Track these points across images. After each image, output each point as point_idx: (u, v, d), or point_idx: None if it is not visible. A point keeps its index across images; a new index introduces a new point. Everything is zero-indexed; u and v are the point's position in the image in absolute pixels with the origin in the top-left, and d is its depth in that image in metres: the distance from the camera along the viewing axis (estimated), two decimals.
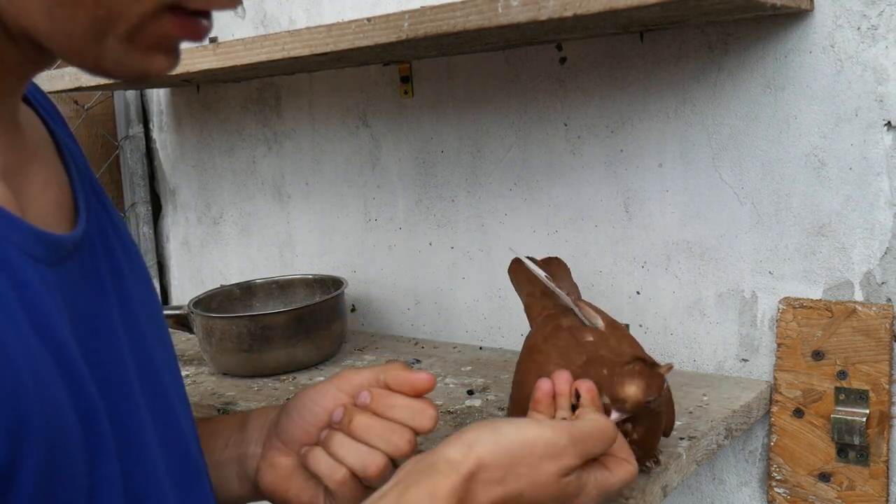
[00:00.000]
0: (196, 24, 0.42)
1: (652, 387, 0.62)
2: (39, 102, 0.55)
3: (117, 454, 0.44)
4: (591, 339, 0.71)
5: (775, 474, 0.90)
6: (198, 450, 0.56)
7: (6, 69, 0.44)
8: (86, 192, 0.52)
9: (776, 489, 0.91)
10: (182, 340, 1.26)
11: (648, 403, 0.62)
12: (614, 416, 0.62)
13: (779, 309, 0.89)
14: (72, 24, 0.39)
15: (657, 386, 0.63)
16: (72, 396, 0.41)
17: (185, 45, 0.53)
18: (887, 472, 0.84)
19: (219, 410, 0.98)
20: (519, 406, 0.70)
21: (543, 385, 0.63)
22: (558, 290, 0.76)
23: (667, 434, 0.71)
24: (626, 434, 0.64)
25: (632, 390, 0.62)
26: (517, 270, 0.86)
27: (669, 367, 0.64)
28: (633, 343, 0.72)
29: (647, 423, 0.65)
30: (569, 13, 0.71)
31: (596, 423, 0.58)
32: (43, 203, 0.47)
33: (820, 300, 0.87)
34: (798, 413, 0.88)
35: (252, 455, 0.64)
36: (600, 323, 0.73)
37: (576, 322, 0.74)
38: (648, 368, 0.63)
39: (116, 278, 0.51)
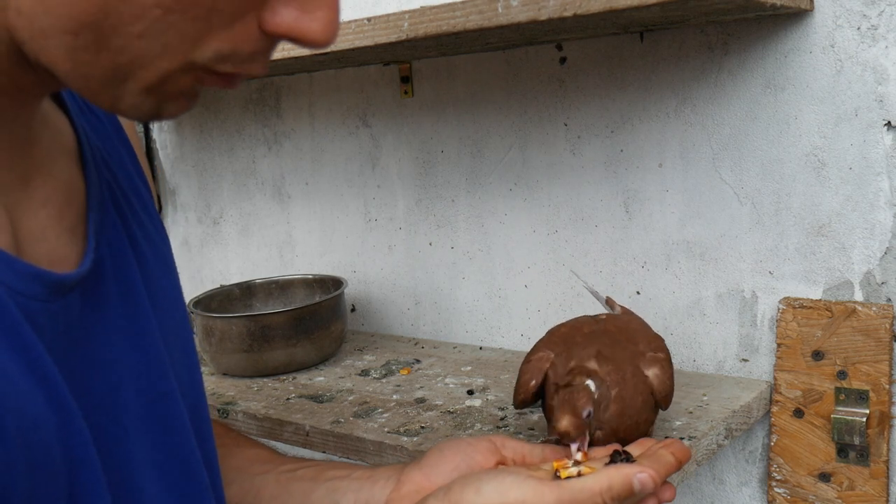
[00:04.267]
0: (226, 78, 0.40)
1: (579, 405, 0.63)
2: (82, 103, 0.54)
3: (109, 486, 0.44)
4: (603, 317, 0.78)
5: (775, 474, 0.90)
6: (209, 469, 0.55)
7: (20, 90, 0.43)
8: (103, 207, 0.50)
9: (776, 489, 0.91)
10: None
11: (588, 418, 0.63)
12: (573, 448, 0.63)
13: (779, 309, 0.89)
14: (92, 68, 0.38)
15: (585, 399, 0.63)
16: (60, 431, 0.41)
17: None
18: (887, 472, 0.84)
19: (219, 410, 0.99)
20: (518, 390, 0.73)
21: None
22: (592, 287, 0.85)
23: (664, 406, 0.71)
24: (609, 437, 0.66)
25: (564, 422, 0.62)
26: None
27: (613, 305, 0.72)
28: (639, 320, 0.79)
29: (616, 427, 0.66)
30: (569, 13, 0.71)
31: (590, 485, 0.55)
32: (43, 218, 0.46)
33: (820, 300, 0.87)
34: (798, 413, 0.88)
35: (382, 488, 0.65)
36: (618, 309, 0.82)
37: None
38: (568, 391, 0.64)
39: (128, 300, 0.50)
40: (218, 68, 0.39)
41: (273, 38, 0.40)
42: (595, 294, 0.85)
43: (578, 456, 0.62)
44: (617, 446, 0.64)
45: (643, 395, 0.68)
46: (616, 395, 0.66)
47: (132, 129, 0.61)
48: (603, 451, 0.64)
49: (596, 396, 0.65)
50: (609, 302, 0.84)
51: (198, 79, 0.40)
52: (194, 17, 0.36)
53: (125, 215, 0.53)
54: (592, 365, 0.67)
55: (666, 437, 0.70)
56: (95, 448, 0.44)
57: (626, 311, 0.82)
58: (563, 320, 0.94)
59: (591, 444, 0.65)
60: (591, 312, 0.84)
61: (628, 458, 0.61)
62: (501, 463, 0.65)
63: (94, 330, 0.47)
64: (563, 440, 0.63)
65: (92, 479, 0.43)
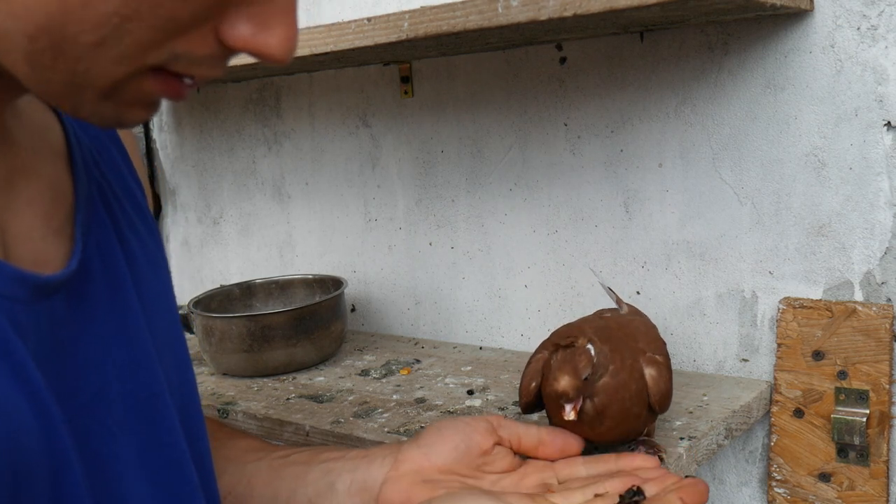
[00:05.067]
0: (178, 84, 0.40)
1: (580, 366, 0.64)
2: None
3: (91, 491, 0.44)
4: (608, 314, 0.79)
5: (775, 474, 0.90)
6: (200, 470, 0.55)
7: None
8: (91, 207, 0.50)
9: (776, 489, 0.91)
10: None
11: (587, 380, 0.65)
12: (568, 408, 0.64)
13: (779, 309, 0.89)
14: (51, 72, 0.38)
15: (585, 361, 0.65)
16: (42, 436, 0.41)
17: None
18: (887, 472, 0.84)
19: (219, 411, 0.99)
20: (523, 393, 0.74)
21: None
22: (606, 285, 0.87)
23: (659, 409, 0.71)
24: (598, 417, 0.66)
25: (563, 382, 0.64)
26: None
27: (619, 303, 0.70)
28: (644, 321, 0.79)
29: (606, 403, 0.67)
30: (569, 13, 0.71)
31: None
32: (28, 218, 0.46)
33: (820, 300, 0.87)
34: (798, 413, 0.88)
35: (379, 467, 0.65)
36: (625, 308, 0.82)
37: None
38: (569, 352, 0.65)
39: (116, 300, 0.50)
40: (171, 67, 0.39)
41: (230, 49, 0.39)
42: (610, 292, 0.86)
43: (572, 416, 0.64)
44: (635, 481, 0.63)
45: (637, 382, 0.68)
46: (612, 370, 0.66)
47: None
48: (619, 485, 0.63)
49: (595, 361, 0.65)
50: (618, 302, 0.84)
51: (150, 85, 0.39)
52: (152, 26, 0.36)
53: (115, 215, 0.52)
54: (590, 333, 0.68)
55: (687, 477, 0.69)
56: (82, 450, 0.44)
57: (633, 311, 0.82)
58: (563, 320, 0.94)
59: (581, 412, 0.66)
60: (592, 312, 0.84)
61: (639, 493, 0.61)
62: (498, 444, 0.66)
63: (80, 331, 0.47)
64: (559, 400, 0.64)
65: (72, 482, 0.43)
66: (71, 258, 0.47)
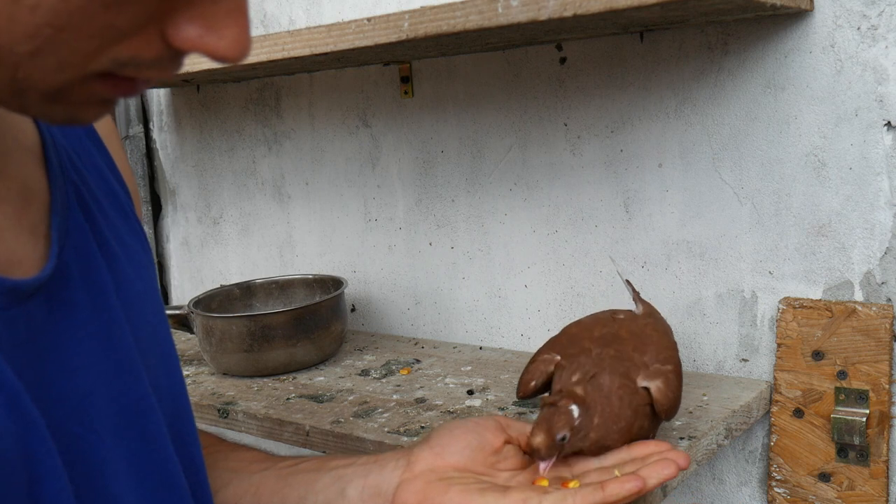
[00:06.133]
0: (129, 84, 0.39)
1: (555, 427, 0.64)
2: None
3: (78, 495, 0.43)
4: (621, 317, 0.78)
5: (775, 474, 0.90)
6: (191, 476, 0.54)
7: None
8: (67, 208, 0.49)
9: (776, 489, 0.91)
10: (182, 340, 1.26)
11: (563, 441, 0.64)
12: (542, 466, 0.64)
13: (779, 309, 0.89)
14: None
15: (563, 423, 0.64)
16: (21, 442, 0.40)
17: None
18: (887, 472, 0.84)
19: (219, 410, 0.99)
20: (521, 385, 0.76)
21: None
22: (625, 278, 0.88)
23: (669, 418, 0.71)
24: (598, 448, 0.67)
25: (538, 440, 0.64)
26: None
27: (573, 399, 0.66)
28: (657, 324, 0.78)
29: (604, 434, 0.67)
30: (569, 13, 0.72)
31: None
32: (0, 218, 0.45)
33: (820, 300, 0.87)
34: (798, 413, 0.88)
35: (392, 471, 0.65)
36: (640, 308, 0.81)
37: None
38: (550, 411, 0.65)
39: (96, 304, 0.49)
40: (119, 72, 0.38)
41: (178, 51, 0.38)
42: (628, 285, 0.86)
43: (546, 473, 0.64)
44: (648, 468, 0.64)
45: (633, 406, 0.68)
46: (598, 423, 0.66)
47: (110, 127, 0.59)
48: (633, 468, 0.64)
49: (577, 423, 0.65)
50: (635, 299, 0.84)
51: (99, 88, 0.38)
52: (89, 35, 0.35)
53: (94, 217, 0.51)
54: (579, 391, 0.67)
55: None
56: (68, 454, 0.43)
57: (647, 313, 0.81)
58: (563, 320, 0.95)
59: (580, 450, 0.67)
60: (591, 313, 0.84)
61: None
62: (508, 442, 0.67)
63: (61, 336, 0.46)
64: (533, 455, 0.65)
65: (57, 487, 0.42)
66: (47, 261, 0.46)
